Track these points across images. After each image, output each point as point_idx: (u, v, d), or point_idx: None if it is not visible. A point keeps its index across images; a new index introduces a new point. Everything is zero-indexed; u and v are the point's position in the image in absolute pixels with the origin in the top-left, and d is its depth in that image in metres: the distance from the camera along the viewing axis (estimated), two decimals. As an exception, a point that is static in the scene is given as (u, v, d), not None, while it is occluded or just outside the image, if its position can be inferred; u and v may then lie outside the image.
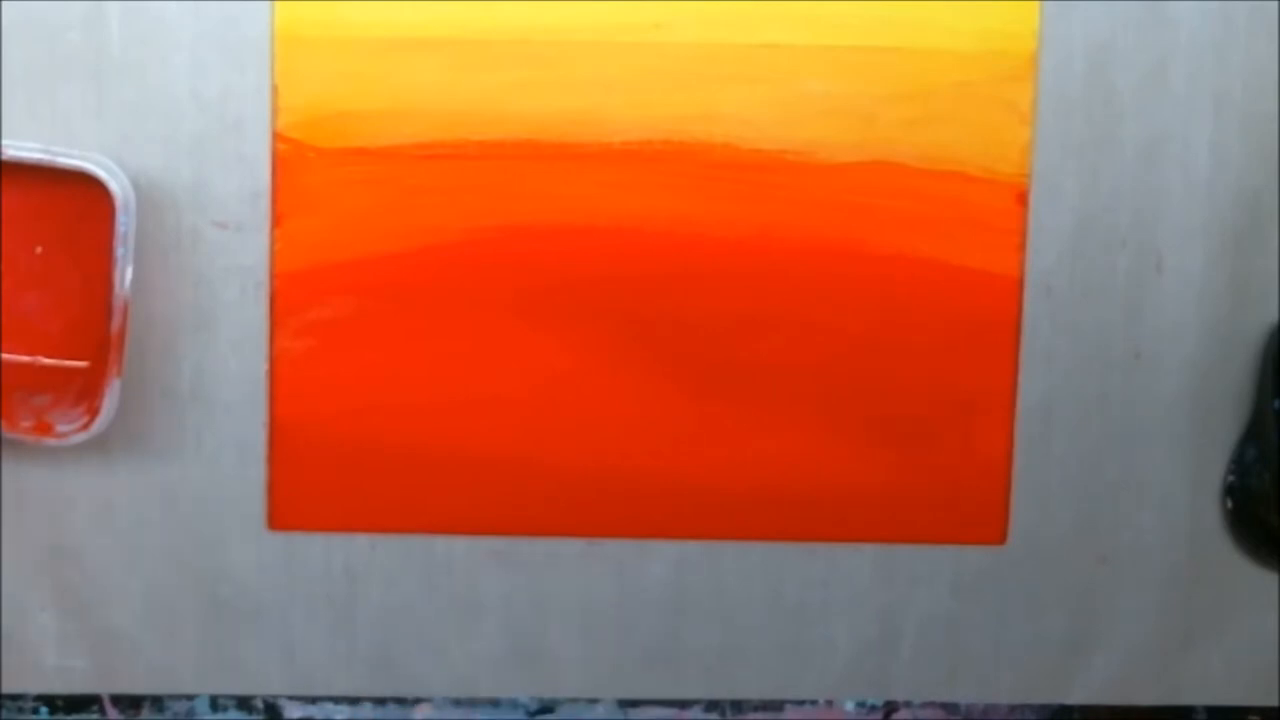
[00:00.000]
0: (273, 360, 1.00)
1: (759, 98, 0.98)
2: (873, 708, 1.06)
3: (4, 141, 0.95)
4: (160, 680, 1.03)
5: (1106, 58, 0.99)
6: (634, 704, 1.05)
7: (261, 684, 1.04)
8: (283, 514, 1.01)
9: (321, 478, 1.01)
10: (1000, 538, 1.04)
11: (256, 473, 1.01)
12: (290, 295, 0.99)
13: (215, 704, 1.04)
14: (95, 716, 1.03)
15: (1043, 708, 1.06)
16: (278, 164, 0.98)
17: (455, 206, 0.99)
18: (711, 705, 1.05)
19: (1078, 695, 1.06)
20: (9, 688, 1.02)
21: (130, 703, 1.04)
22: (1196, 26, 0.98)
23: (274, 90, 0.97)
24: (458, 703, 1.05)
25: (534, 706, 1.05)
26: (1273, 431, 1.01)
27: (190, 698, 1.04)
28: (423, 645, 1.04)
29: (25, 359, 0.97)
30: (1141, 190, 1.00)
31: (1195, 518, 1.04)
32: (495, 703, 1.05)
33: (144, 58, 0.96)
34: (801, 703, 1.05)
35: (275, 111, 0.97)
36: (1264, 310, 1.02)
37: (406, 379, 1.00)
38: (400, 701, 1.04)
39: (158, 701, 1.04)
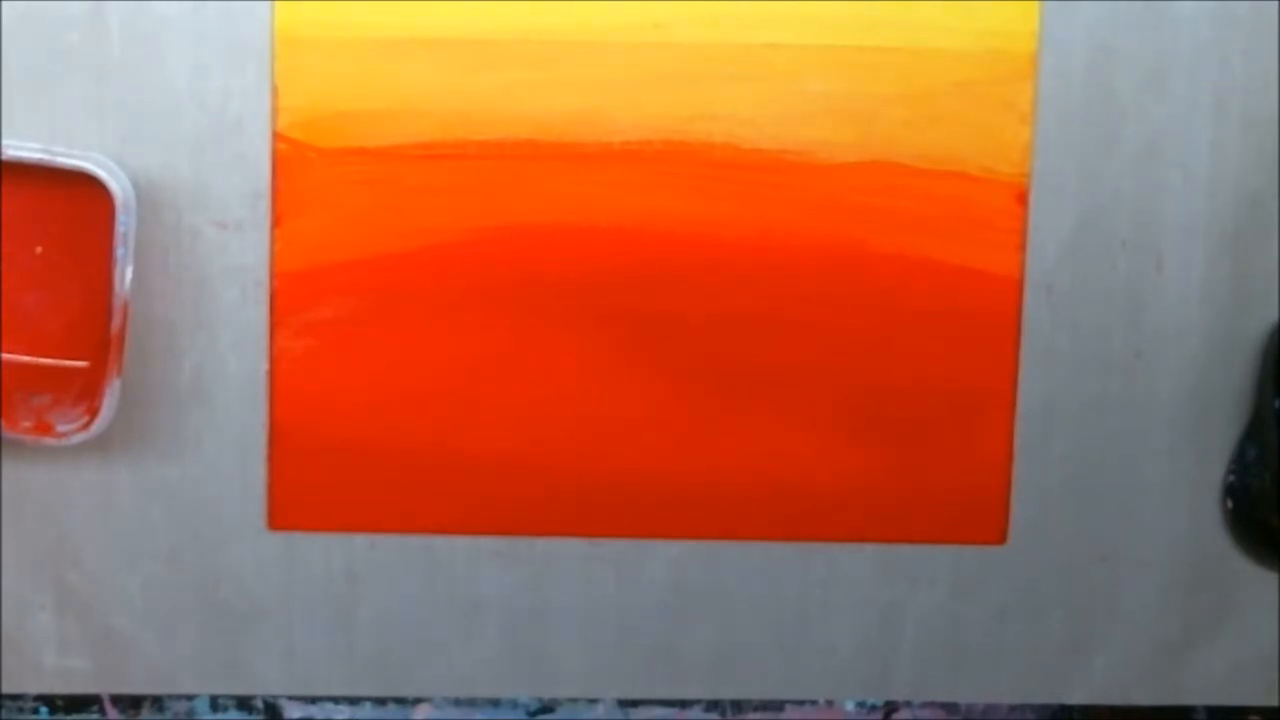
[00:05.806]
0: (273, 360, 1.00)
1: (759, 98, 0.98)
2: (873, 708, 1.06)
3: (4, 141, 0.95)
4: (160, 680, 1.03)
5: (1107, 58, 0.99)
6: (634, 704, 1.05)
7: (261, 684, 1.04)
8: (283, 514, 1.01)
9: (321, 478, 1.01)
10: (1000, 538, 1.04)
11: (256, 473, 1.01)
12: (290, 295, 0.99)
13: (215, 704, 1.04)
14: (95, 716, 1.03)
15: (1043, 708, 1.06)
16: (278, 164, 0.98)
17: (455, 206, 0.99)
18: (711, 705, 1.05)
19: (1078, 695, 1.06)
20: (9, 688, 1.02)
21: (130, 703, 1.04)
22: (1197, 27, 0.98)
23: (274, 90, 0.97)
24: (458, 703, 1.05)
25: (534, 706, 1.05)
26: (1273, 431, 1.01)
27: (190, 698, 1.04)
28: (423, 645, 1.04)
29: (25, 359, 0.97)
30: (1141, 190, 1.00)
31: (1195, 518, 1.04)
32: (495, 703, 1.05)
33: (144, 58, 0.96)
34: (801, 703, 1.05)
35: (275, 111, 0.97)
36: (1264, 310, 1.02)
37: (406, 379, 1.00)
38: (400, 701, 1.04)
39: (158, 701, 1.04)
